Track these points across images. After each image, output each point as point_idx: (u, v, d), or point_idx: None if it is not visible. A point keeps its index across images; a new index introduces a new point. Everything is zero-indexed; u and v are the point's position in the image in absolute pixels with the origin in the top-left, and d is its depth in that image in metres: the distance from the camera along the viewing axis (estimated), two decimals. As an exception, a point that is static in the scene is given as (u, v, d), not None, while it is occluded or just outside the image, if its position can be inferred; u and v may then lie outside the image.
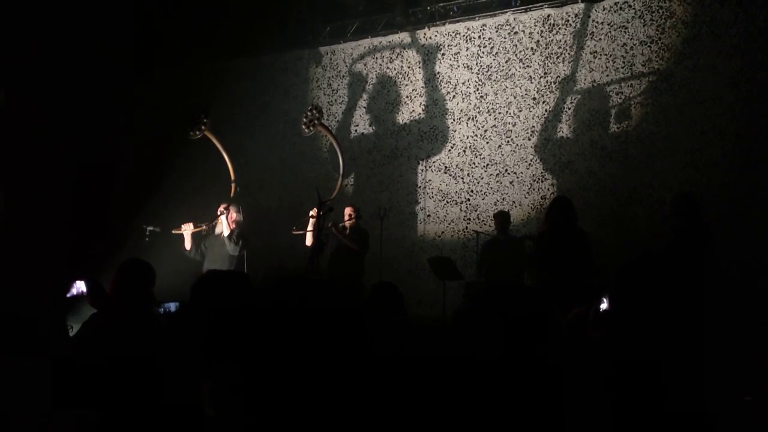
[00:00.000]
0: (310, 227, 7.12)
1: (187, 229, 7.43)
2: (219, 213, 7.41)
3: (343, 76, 9.50)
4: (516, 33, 8.37)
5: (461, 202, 8.50)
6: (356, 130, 9.32)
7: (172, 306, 4.10)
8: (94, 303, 3.88)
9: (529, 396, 1.52)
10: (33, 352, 3.23)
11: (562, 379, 1.54)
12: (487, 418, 1.56)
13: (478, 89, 8.53)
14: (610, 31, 7.84)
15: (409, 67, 9.04)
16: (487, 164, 8.38)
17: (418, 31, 9.02)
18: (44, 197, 9.07)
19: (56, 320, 3.26)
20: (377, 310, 3.43)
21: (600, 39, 7.89)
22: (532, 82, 8.21)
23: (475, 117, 8.51)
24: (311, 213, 6.98)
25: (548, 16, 8.22)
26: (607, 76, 7.82)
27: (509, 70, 8.36)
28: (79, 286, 3.93)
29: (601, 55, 7.87)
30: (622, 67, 7.74)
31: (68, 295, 3.75)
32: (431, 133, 8.79)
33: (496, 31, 8.50)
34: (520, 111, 8.24)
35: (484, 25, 8.59)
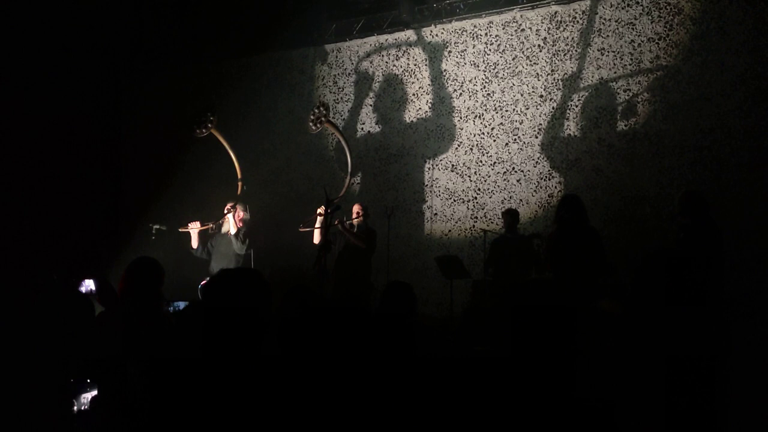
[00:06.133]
0: (317, 224, 7.12)
1: (194, 228, 7.43)
2: (226, 211, 7.40)
3: (349, 74, 9.48)
4: (523, 30, 8.34)
5: (468, 201, 8.48)
6: (362, 129, 9.31)
7: (182, 305, 4.09)
8: (103, 301, 3.89)
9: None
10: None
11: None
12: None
13: (484, 87, 8.50)
14: (617, 28, 7.80)
15: (415, 65, 9.02)
16: (494, 162, 8.35)
17: (424, 29, 9.00)
18: (51, 196, 9.09)
19: (65, 319, 3.25)
20: (391, 310, 3.40)
21: (607, 36, 7.85)
22: (539, 80, 8.18)
23: (482, 115, 8.49)
24: (319, 211, 6.97)
25: (555, 13, 8.19)
26: (615, 73, 7.78)
27: (516, 68, 8.33)
28: (88, 284, 3.94)
29: (608, 51, 7.83)
30: (630, 64, 7.70)
31: (78, 294, 3.75)
32: (438, 131, 8.77)
33: (503, 29, 8.47)
34: (527, 108, 8.22)
35: (491, 22, 8.56)
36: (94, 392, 3.15)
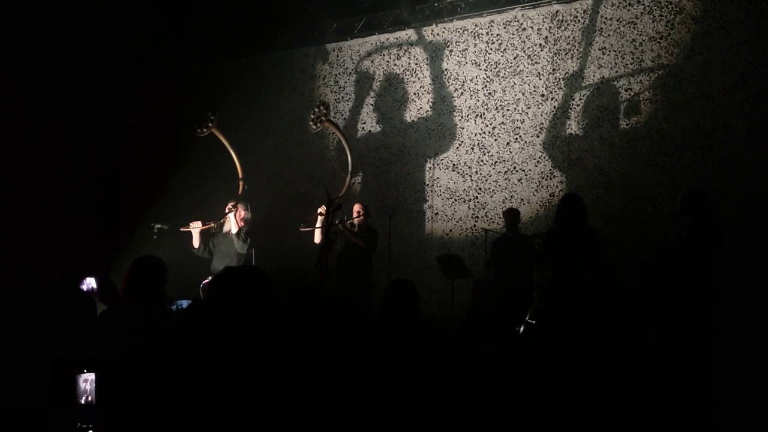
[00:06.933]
0: (318, 224, 7.12)
1: (196, 227, 7.43)
2: (227, 211, 7.40)
3: (350, 73, 9.48)
4: (524, 29, 8.34)
5: (469, 200, 8.47)
6: (363, 128, 9.30)
7: (185, 303, 4.09)
8: (105, 299, 3.89)
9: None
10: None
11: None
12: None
13: (486, 86, 8.50)
14: (618, 27, 7.80)
15: (416, 64, 9.02)
16: (496, 161, 8.35)
17: (425, 28, 8.99)
18: (53, 195, 9.09)
19: (67, 318, 3.26)
20: (393, 309, 3.39)
21: (609, 35, 7.85)
22: (540, 79, 8.18)
23: (483, 114, 8.48)
24: (319, 209, 6.97)
25: (556, 12, 8.18)
26: (616, 72, 7.77)
27: (517, 67, 8.33)
28: (90, 283, 3.94)
29: (609, 51, 7.83)
30: (631, 63, 7.70)
31: (79, 292, 3.74)
32: (439, 130, 8.76)
33: (504, 28, 8.46)
34: (529, 108, 8.21)
35: (492, 21, 8.56)
36: (94, 390, 3.14)
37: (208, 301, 2.27)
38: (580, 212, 5.65)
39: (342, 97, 9.49)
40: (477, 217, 8.38)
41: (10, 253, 7.81)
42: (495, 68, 8.46)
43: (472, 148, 8.51)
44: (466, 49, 8.69)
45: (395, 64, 9.17)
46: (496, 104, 8.41)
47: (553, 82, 8.10)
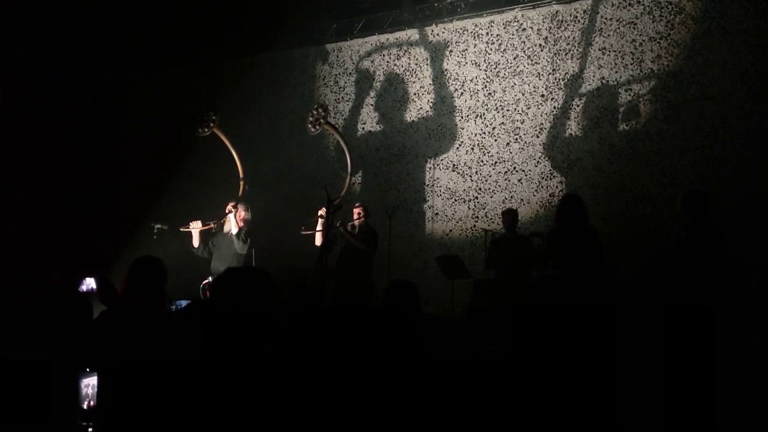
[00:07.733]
0: (318, 227, 7.12)
1: (196, 227, 7.42)
2: (227, 211, 7.40)
3: (350, 73, 9.48)
4: (524, 29, 8.34)
5: (469, 200, 8.48)
6: (363, 128, 9.30)
7: (184, 303, 4.09)
8: (104, 300, 3.89)
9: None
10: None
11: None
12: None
13: (486, 86, 8.50)
14: (618, 28, 7.80)
15: (416, 65, 9.02)
16: (496, 162, 8.35)
17: (425, 28, 9.00)
18: (53, 195, 9.10)
19: (67, 319, 3.26)
20: (394, 309, 3.40)
21: (608, 35, 7.85)
22: (540, 79, 8.18)
23: (483, 114, 8.49)
24: (320, 212, 6.98)
25: (556, 12, 8.18)
26: (616, 72, 7.78)
27: (517, 67, 8.33)
28: (89, 283, 3.94)
29: (609, 51, 7.83)
30: (631, 64, 7.70)
31: (79, 292, 3.75)
32: (439, 130, 8.77)
33: (504, 28, 8.47)
34: (529, 108, 8.21)
35: (492, 21, 8.56)
36: (96, 390, 3.15)
37: (210, 302, 2.27)
38: (581, 212, 5.66)
39: (342, 98, 9.49)
40: (477, 217, 8.39)
41: (10, 253, 7.81)
42: (495, 68, 8.47)
43: (472, 149, 8.52)
44: (466, 49, 8.70)
45: (395, 65, 9.17)
46: (496, 104, 8.42)
47: (553, 83, 8.10)
